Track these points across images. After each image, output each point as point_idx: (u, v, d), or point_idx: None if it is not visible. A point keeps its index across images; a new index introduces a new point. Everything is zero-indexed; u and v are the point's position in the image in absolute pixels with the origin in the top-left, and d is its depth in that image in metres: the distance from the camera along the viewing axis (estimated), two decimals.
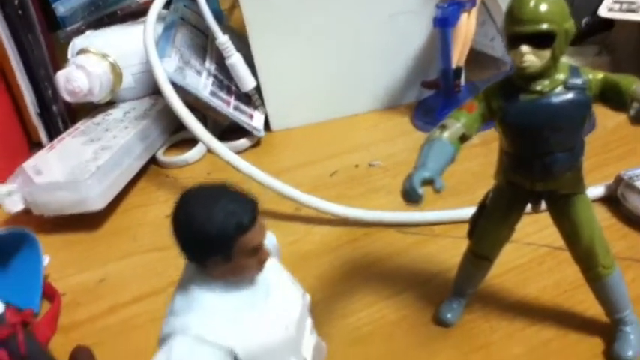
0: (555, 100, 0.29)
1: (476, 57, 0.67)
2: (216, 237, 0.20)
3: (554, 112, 0.29)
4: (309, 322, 0.24)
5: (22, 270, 0.47)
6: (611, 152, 0.53)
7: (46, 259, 0.48)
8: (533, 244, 0.43)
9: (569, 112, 0.29)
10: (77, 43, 0.69)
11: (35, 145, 0.69)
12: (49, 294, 0.47)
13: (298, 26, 0.62)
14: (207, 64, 0.66)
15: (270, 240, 0.25)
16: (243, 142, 0.63)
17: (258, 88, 0.64)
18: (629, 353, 0.33)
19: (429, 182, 0.27)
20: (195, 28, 0.73)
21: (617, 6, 0.60)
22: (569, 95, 0.29)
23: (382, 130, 0.63)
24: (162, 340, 0.20)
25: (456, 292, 0.38)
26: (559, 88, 0.29)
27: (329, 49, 0.63)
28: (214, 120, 0.65)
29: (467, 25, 0.59)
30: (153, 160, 0.64)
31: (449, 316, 0.38)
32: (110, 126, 0.64)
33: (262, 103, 0.65)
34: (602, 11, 0.60)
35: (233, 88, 0.65)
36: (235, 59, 0.62)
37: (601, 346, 0.35)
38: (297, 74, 0.64)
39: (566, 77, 0.29)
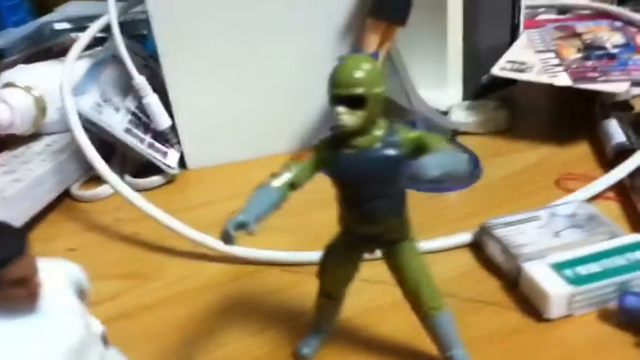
0: (371, 155, 0.32)
1: (387, 106, 0.71)
2: None
3: (371, 166, 0.32)
4: (99, 351, 0.26)
5: None
6: (492, 200, 0.57)
7: None
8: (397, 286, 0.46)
9: (384, 165, 0.32)
10: (5, 76, 0.71)
11: None
12: None
13: (215, 67, 0.65)
14: (128, 101, 0.69)
15: (68, 271, 0.27)
16: (155, 179, 0.66)
17: (173, 127, 0.67)
18: None
19: (244, 225, 0.30)
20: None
21: (509, 65, 0.65)
22: (384, 151, 0.32)
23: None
24: None
25: (314, 328, 0.41)
26: (377, 144, 0.32)
27: (247, 90, 0.66)
28: (132, 156, 0.67)
29: None
30: (68, 194, 0.66)
31: (305, 350, 0.41)
32: (28, 158, 0.66)
33: (178, 142, 0.68)
34: (495, 70, 0.64)
35: (151, 126, 0.68)
36: (150, 99, 0.65)
37: None
38: (213, 115, 0.67)
39: (383, 135, 0.32)
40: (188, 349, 0.43)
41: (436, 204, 0.58)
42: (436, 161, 0.29)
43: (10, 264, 0.22)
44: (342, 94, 0.31)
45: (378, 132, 0.32)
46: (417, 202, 0.59)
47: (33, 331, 0.23)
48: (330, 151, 0.33)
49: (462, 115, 0.68)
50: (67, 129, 0.71)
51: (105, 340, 0.28)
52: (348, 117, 0.31)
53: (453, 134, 0.68)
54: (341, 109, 0.31)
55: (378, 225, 0.34)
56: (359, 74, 0.31)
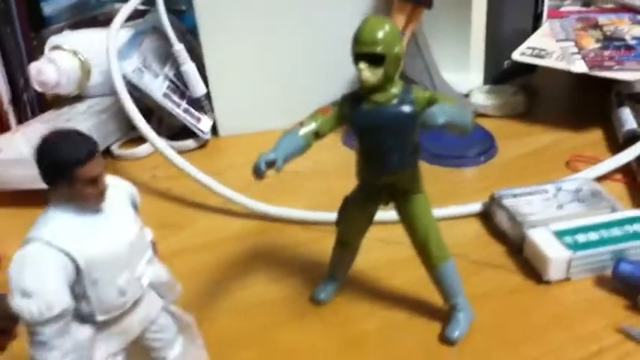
0: (388, 110, 0.36)
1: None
2: (58, 164, 0.27)
3: (387, 120, 0.36)
4: (148, 253, 0.31)
5: None
6: (504, 177, 0.60)
7: None
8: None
9: (399, 120, 0.36)
10: (53, 40, 0.76)
11: (5, 130, 0.75)
12: None
13: (249, 42, 0.69)
14: (167, 69, 0.73)
15: (127, 188, 0.32)
16: (189, 143, 0.70)
17: (208, 95, 0.71)
18: (456, 334, 0.40)
19: (272, 163, 0.34)
20: (166, 37, 0.80)
21: (529, 51, 0.68)
22: (400, 107, 0.36)
23: (316, 143, 0.70)
24: (23, 244, 0.27)
25: (329, 275, 0.45)
26: (394, 101, 0.36)
27: (276, 64, 0.70)
28: (168, 120, 0.72)
29: None
30: (109, 152, 0.71)
31: (322, 295, 0.45)
32: (72, 117, 0.71)
33: (212, 110, 0.72)
34: (516, 55, 0.67)
35: (187, 93, 0.72)
36: (188, 67, 0.69)
37: (439, 328, 0.42)
38: (245, 85, 0.71)
39: (399, 93, 0.36)
40: (214, 290, 0.48)
41: (453, 177, 0.62)
42: (443, 110, 0.32)
43: (84, 164, 0.27)
44: (363, 51, 0.34)
45: (395, 90, 0.36)
46: (436, 175, 0.64)
47: (97, 226, 0.28)
48: (352, 106, 0.37)
49: (481, 98, 0.71)
50: (110, 93, 0.77)
51: (154, 247, 0.32)
52: (368, 73, 0.34)
53: (473, 116, 0.71)
54: (362, 65, 0.34)
55: (391, 175, 0.38)
56: (380, 34, 0.34)
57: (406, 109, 0.36)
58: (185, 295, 0.47)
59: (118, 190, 0.30)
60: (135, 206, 0.32)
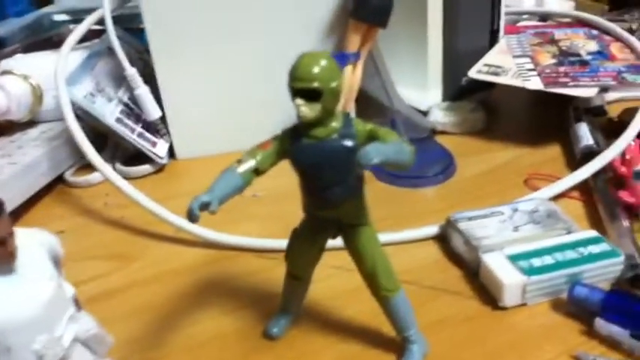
0: (329, 145, 0.35)
1: (370, 103, 0.74)
2: None
3: (328, 155, 0.35)
4: (69, 310, 0.29)
5: None
6: (463, 196, 0.60)
7: None
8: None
9: (340, 155, 0.35)
10: (3, 64, 0.74)
11: None
12: None
13: (204, 62, 0.68)
14: (121, 92, 0.71)
15: (44, 239, 0.30)
16: (145, 168, 0.68)
17: (164, 119, 0.70)
18: None
19: (207, 205, 0.33)
20: None
21: (485, 69, 0.68)
22: (341, 142, 0.35)
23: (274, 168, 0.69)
24: None
25: (282, 308, 0.44)
26: (334, 135, 0.35)
27: (233, 85, 0.69)
28: (123, 145, 0.70)
29: (351, 76, 0.66)
30: (62, 179, 0.69)
31: (275, 330, 0.43)
32: (24, 144, 0.69)
33: (168, 133, 0.70)
34: (472, 73, 0.67)
35: (142, 116, 0.70)
36: (141, 91, 0.67)
37: None
38: (202, 107, 0.70)
39: (340, 127, 0.35)
40: (165, 326, 0.46)
41: (411, 198, 0.61)
42: (378, 149, 0.31)
43: None
44: (299, 87, 0.33)
45: (335, 124, 0.35)
46: (394, 196, 0.63)
47: (8, 288, 0.26)
48: (292, 141, 0.36)
49: (440, 115, 0.71)
50: (62, 117, 0.75)
51: (76, 302, 0.31)
52: (305, 109, 0.34)
53: (431, 133, 0.71)
54: (299, 101, 0.33)
55: (336, 209, 0.37)
56: (315, 69, 0.33)
57: (347, 143, 0.35)
58: (136, 331, 0.46)
59: (32, 244, 0.29)
60: (55, 258, 0.30)
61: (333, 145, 0.35)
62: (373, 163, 0.31)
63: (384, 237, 0.52)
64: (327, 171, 0.35)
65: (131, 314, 0.48)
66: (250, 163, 0.36)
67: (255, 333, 0.44)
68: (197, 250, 0.55)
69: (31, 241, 0.29)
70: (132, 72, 0.67)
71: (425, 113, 0.72)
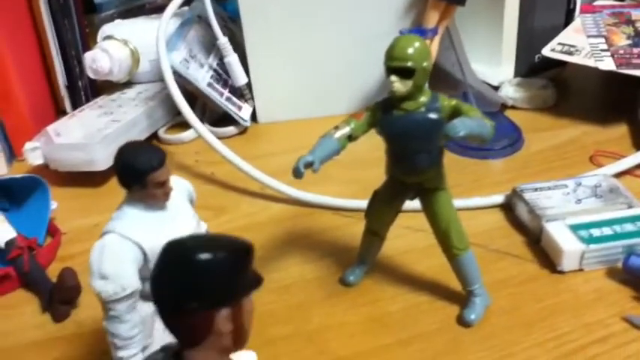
0: (417, 117, 0.40)
1: (443, 77, 0.78)
2: (135, 171, 0.32)
3: (415, 126, 0.39)
4: None
5: (33, 210, 0.60)
6: (529, 169, 0.63)
7: (54, 204, 0.60)
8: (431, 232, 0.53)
9: (426, 126, 0.39)
10: (105, 29, 0.81)
11: (61, 113, 0.81)
12: (53, 231, 0.59)
13: (289, 34, 0.73)
14: (211, 59, 0.78)
15: (185, 186, 0.37)
16: (230, 129, 0.75)
17: (249, 85, 0.76)
18: (472, 317, 0.44)
19: (310, 164, 0.38)
20: (210, 26, 0.85)
21: (559, 47, 0.70)
22: (427, 114, 0.39)
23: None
24: (101, 236, 0.32)
25: (359, 260, 0.49)
26: (421, 109, 0.40)
27: (315, 57, 0.74)
28: (211, 107, 0.76)
29: None
30: (156, 136, 0.76)
31: (351, 278, 0.49)
32: (123, 103, 0.76)
33: (252, 98, 0.76)
34: (545, 51, 0.69)
35: (229, 82, 0.76)
36: (231, 59, 0.73)
37: (458, 311, 0.45)
38: (284, 76, 0.75)
39: (427, 101, 0.40)
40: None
41: (480, 169, 0.65)
42: (464, 123, 0.36)
43: (156, 170, 0.32)
44: (394, 66, 0.38)
45: (423, 98, 0.40)
46: (463, 166, 0.67)
47: (164, 220, 0.33)
48: (383, 112, 0.40)
49: (511, 91, 0.73)
50: (157, 79, 0.82)
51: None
52: (399, 84, 0.38)
53: (502, 108, 0.74)
54: (394, 77, 0.38)
55: (418, 175, 0.41)
56: (409, 50, 0.38)
57: (433, 116, 0.39)
58: None
59: (178, 188, 0.35)
60: (192, 201, 0.36)
61: (421, 117, 0.39)
62: (460, 136, 0.35)
63: (455, 203, 0.57)
64: (414, 140, 0.40)
65: None
66: (345, 130, 0.41)
67: (333, 280, 0.50)
68: (281, 206, 0.61)
69: (177, 187, 0.35)
70: (224, 40, 0.73)
71: (496, 88, 0.75)
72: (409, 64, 0.38)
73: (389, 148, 0.42)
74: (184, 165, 0.70)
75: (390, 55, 0.38)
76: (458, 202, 0.56)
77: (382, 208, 0.45)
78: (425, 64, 0.38)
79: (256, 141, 0.75)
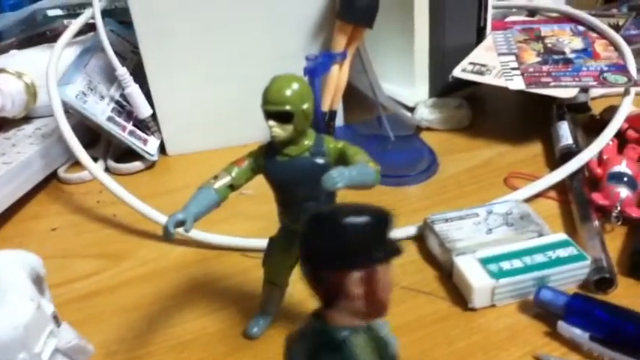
0: (301, 162, 0.37)
1: (359, 101, 0.76)
2: None
3: (300, 172, 0.37)
4: (49, 327, 0.31)
5: None
6: (444, 195, 0.61)
7: None
8: None
9: (312, 172, 0.36)
10: None
11: None
12: None
13: (194, 61, 0.69)
14: (113, 90, 0.73)
15: (23, 259, 0.32)
16: (136, 165, 0.70)
17: (154, 116, 0.71)
18: None
19: (182, 223, 0.35)
20: (115, 53, 0.80)
21: (470, 67, 0.69)
22: (312, 159, 0.37)
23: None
24: None
25: (261, 310, 0.46)
26: (305, 154, 0.37)
27: (223, 83, 0.71)
28: (115, 142, 0.72)
29: (338, 75, 0.67)
30: (55, 176, 0.71)
31: (255, 330, 0.45)
32: (18, 141, 0.71)
33: (158, 130, 0.72)
34: (456, 72, 0.68)
35: (134, 114, 0.72)
36: (132, 90, 0.69)
37: None
38: (191, 105, 0.71)
39: (312, 145, 0.37)
40: (151, 325, 0.48)
41: (394, 196, 0.63)
42: (341, 175, 0.33)
43: None
44: (271, 110, 0.35)
45: (307, 142, 0.37)
46: (377, 194, 0.64)
47: None
48: (266, 158, 0.37)
49: (425, 112, 0.72)
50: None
51: (56, 319, 0.33)
52: (277, 130, 0.35)
53: (417, 130, 0.72)
54: (272, 122, 0.35)
55: None
56: (287, 93, 0.35)
57: (318, 160, 0.37)
58: (122, 329, 0.48)
59: (13, 265, 0.31)
60: (36, 278, 0.32)
61: (305, 163, 0.37)
62: (336, 188, 0.32)
63: None
64: (299, 187, 0.37)
65: (118, 313, 0.50)
66: (226, 179, 0.38)
67: (236, 332, 0.47)
68: (186, 249, 0.57)
69: (12, 263, 0.31)
70: (122, 72, 0.68)
71: (412, 109, 0.74)
72: (287, 107, 0.35)
73: (275, 196, 0.39)
74: (85, 207, 0.66)
75: (266, 98, 0.35)
76: None
77: (279, 257, 0.42)
78: (305, 106, 0.35)
79: (166, 175, 0.71)
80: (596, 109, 0.70)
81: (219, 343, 0.46)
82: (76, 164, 0.72)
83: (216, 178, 0.38)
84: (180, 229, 0.36)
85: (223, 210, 0.61)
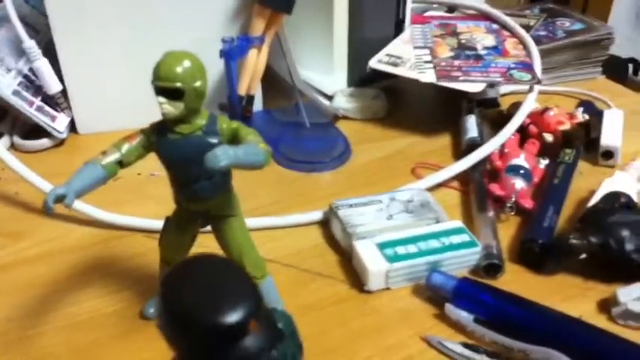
0: (193, 141, 0.36)
1: (278, 86, 0.76)
2: None
3: (193, 151, 0.36)
4: None
5: None
6: (353, 182, 0.62)
7: None
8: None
9: (205, 151, 0.36)
10: None
11: None
12: None
13: (105, 36, 0.67)
14: (22, 63, 0.70)
15: None
16: (43, 142, 0.68)
17: (64, 92, 0.69)
18: None
19: (62, 198, 0.34)
20: (27, 25, 0.76)
21: (386, 58, 0.70)
22: (205, 138, 0.36)
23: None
24: None
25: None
26: (198, 132, 0.36)
27: (136, 62, 0.68)
28: (22, 118, 0.69)
29: (256, 59, 0.67)
30: None
31: (151, 311, 0.45)
32: None
33: (69, 107, 0.70)
34: (373, 62, 0.70)
35: (43, 89, 0.69)
36: (40, 64, 0.66)
37: None
38: (104, 83, 0.69)
39: (205, 124, 0.37)
40: (46, 305, 0.47)
41: (306, 183, 0.63)
42: (226, 153, 0.33)
43: None
44: (160, 86, 0.35)
45: (200, 121, 0.37)
46: (290, 180, 0.65)
47: None
48: (158, 135, 0.37)
49: (343, 101, 0.73)
50: None
51: None
52: (168, 106, 0.35)
53: (334, 118, 0.73)
54: (161, 99, 0.35)
55: (202, 203, 0.38)
56: (178, 69, 0.34)
57: (211, 140, 0.36)
58: (17, 308, 0.47)
59: None
60: None
61: (197, 142, 0.36)
62: (220, 167, 0.32)
63: (270, 221, 0.55)
64: (192, 167, 0.36)
65: (14, 292, 0.48)
66: (115, 156, 0.37)
67: (132, 313, 0.46)
68: (88, 229, 0.56)
69: None
70: (30, 44, 0.66)
71: (330, 98, 0.74)
72: (177, 84, 0.34)
73: (169, 175, 0.38)
74: None
75: (156, 73, 0.35)
76: (274, 220, 0.55)
77: (174, 236, 0.42)
78: (197, 84, 0.35)
79: (73, 154, 0.69)
80: (506, 105, 0.73)
81: (114, 324, 0.45)
82: None
83: (104, 153, 0.37)
84: (63, 204, 0.35)
85: (131, 191, 0.61)
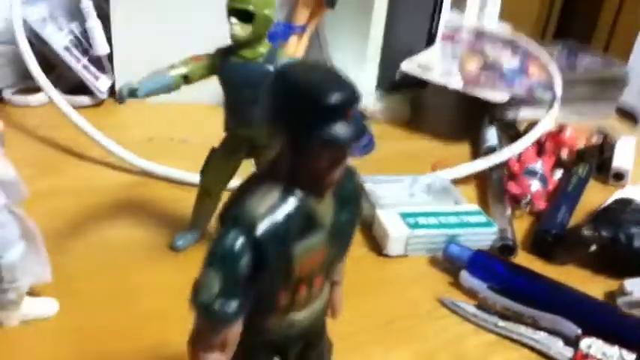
0: (253, 66, 0.40)
1: None
2: None
3: (249, 74, 0.39)
4: None
5: None
6: (374, 170, 0.65)
7: None
8: None
9: (260, 76, 0.39)
10: None
11: None
12: None
13: (157, 12, 0.71)
14: (74, 25, 0.74)
15: None
16: (83, 99, 0.71)
17: (111, 56, 0.72)
18: None
19: (134, 91, 0.37)
20: None
21: (416, 64, 0.74)
22: (264, 65, 0.40)
23: (208, 121, 0.72)
24: None
25: (191, 225, 0.48)
26: (259, 59, 0.40)
27: (181, 37, 0.72)
28: (66, 75, 0.72)
29: (295, 46, 0.71)
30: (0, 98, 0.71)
31: (180, 242, 0.47)
32: None
33: (112, 70, 0.73)
34: (404, 66, 0.73)
35: (90, 52, 0.73)
36: (93, 24, 0.70)
37: None
38: (148, 53, 0.72)
39: (266, 52, 0.40)
40: (74, 231, 0.49)
41: None
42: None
43: None
44: (235, 7, 0.38)
45: (263, 49, 0.40)
46: None
47: None
48: (222, 58, 0.40)
49: (370, 101, 0.76)
50: (11, 41, 0.76)
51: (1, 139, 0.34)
52: (238, 28, 0.38)
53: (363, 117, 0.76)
54: (233, 20, 0.38)
55: (251, 127, 0.41)
56: None
57: (270, 67, 0.40)
58: (49, 231, 0.49)
59: None
60: None
61: (256, 67, 0.39)
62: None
63: None
64: (247, 89, 0.39)
65: (42, 217, 0.50)
66: (182, 70, 0.40)
67: (161, 244, 0.48)
68: (123, 174, 0.58)
69: None
70: (87, 4, 0.69)
71: None
72: (250, 7, 0.38)
73: (225, 98, 0.41)
74: (27, 128, 0.66)
75: None
76: None
77: (219, 165, 0.44)
78: (267, 11, 0.38)
79: (110, 115, 0.72)
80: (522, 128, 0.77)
81: (143, 250, 0.48)
82: (22, 91, 0.72)
83: (172, 67, 0.40)
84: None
85: (165, 153, 0.64)
